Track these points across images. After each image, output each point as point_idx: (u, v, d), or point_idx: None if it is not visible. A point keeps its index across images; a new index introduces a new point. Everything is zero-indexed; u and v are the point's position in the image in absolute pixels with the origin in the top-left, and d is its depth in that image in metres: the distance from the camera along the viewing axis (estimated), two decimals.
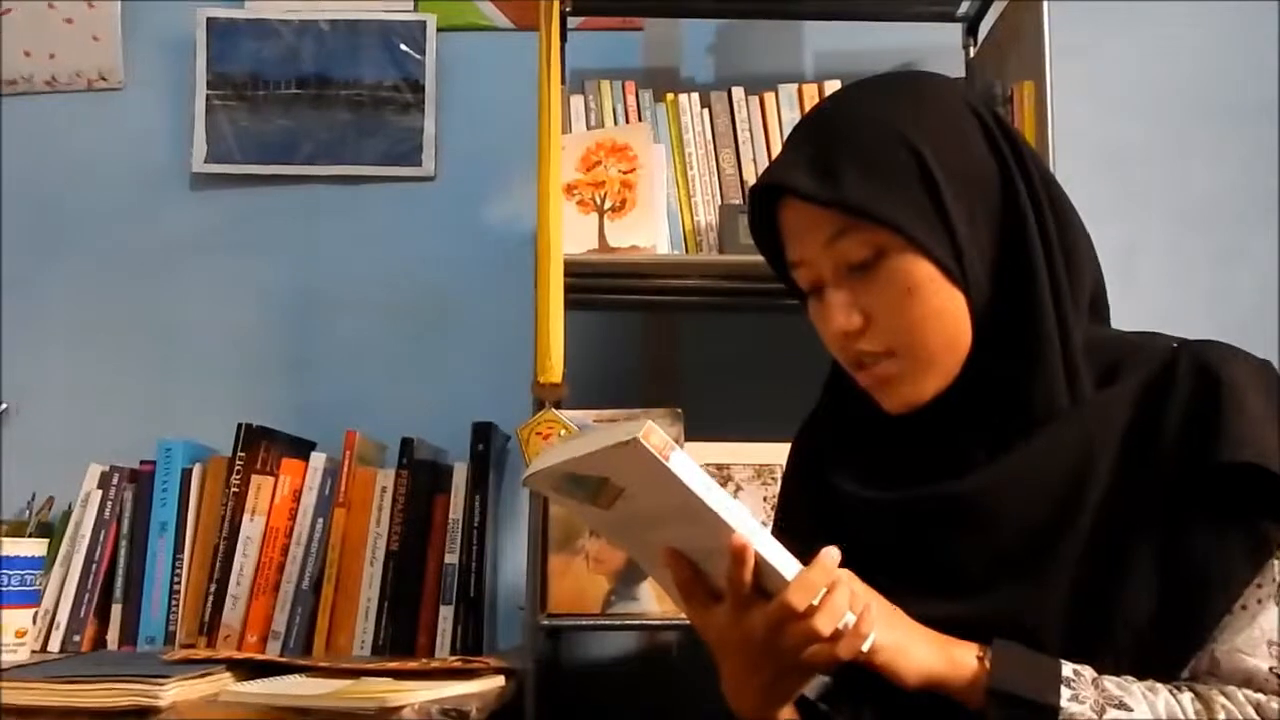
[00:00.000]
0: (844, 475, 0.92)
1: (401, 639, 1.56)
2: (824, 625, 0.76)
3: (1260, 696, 0.80)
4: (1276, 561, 0.83)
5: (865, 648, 0.77)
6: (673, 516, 0.78)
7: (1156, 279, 1.85)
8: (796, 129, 0.92)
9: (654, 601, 1.45)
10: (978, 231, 0.86)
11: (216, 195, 1.92)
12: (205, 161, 1.92)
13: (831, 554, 0.77)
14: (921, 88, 0.91)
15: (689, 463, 0.74)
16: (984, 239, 0.86)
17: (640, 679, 1.81)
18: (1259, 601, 0.82)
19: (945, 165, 0.85)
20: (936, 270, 0.84)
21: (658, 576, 0.89)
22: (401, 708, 1.11)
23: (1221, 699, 0.80)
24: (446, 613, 1.57)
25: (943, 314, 0.85)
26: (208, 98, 1.92)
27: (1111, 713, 0.78)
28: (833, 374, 0.97)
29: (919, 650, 0.81)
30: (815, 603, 0.76)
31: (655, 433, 0.72)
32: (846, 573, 0.79)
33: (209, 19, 1.93)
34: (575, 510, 0.83)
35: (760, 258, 1.54)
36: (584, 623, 1.48)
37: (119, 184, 1.93)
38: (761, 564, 0.76)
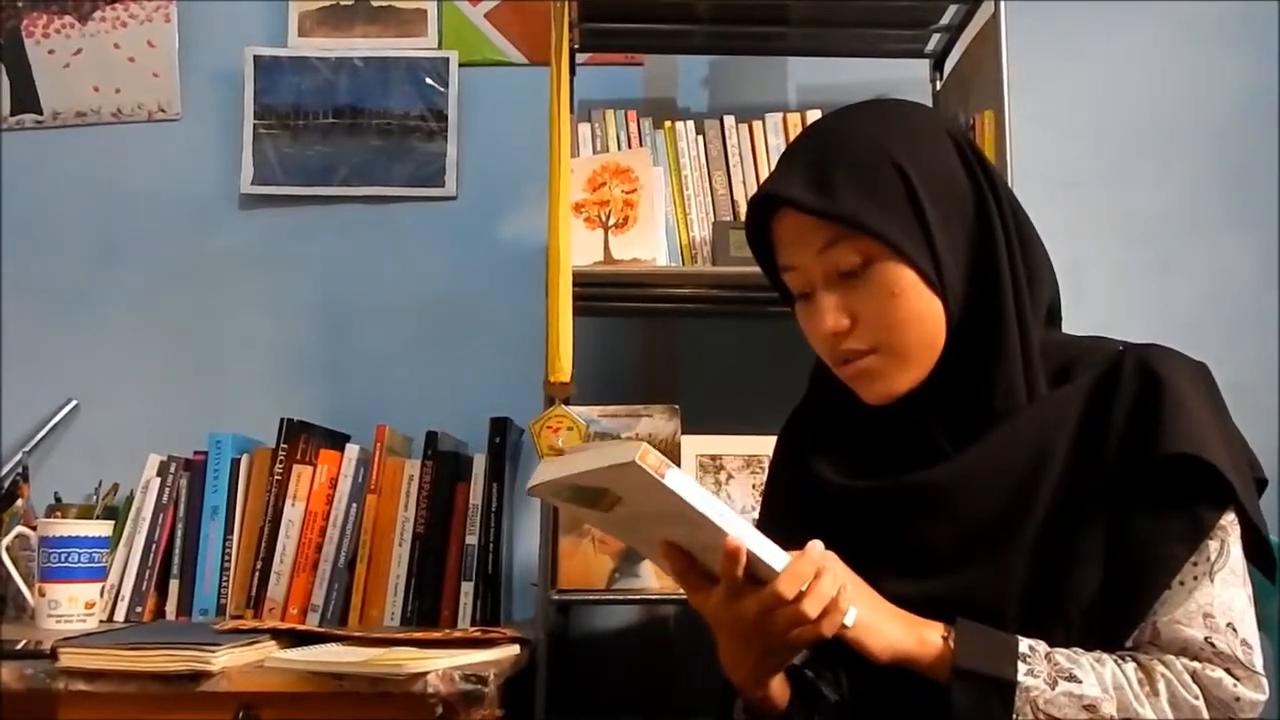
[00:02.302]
0: (825, 465, 0.92)
1: (427, 612, 1.56)
2: (811, 609, 0.76)
3: (1196, 664, 0.81)
4: (1211, 542, 0.83)
5: (849, 622, 0.77)
6: (668, 520, 0.78)
7: (1103, 290, 1.85)
8: (792, 147, 0.91)
9: (653, 579, 1.45)
10: (954, 243, 0.86)
11: (262, 214, 1.92)
12: (252, 184, 1.91)
13: (817, 546, 0.78)
14: (906, 113, 0.91)
15: (682, 477, 0.74)
16: (959, 250, 0.86)
17: (641, 648, 1.80)
18: (1195, 579, 0.82)
19: (927, 182, 0.85)
20: (918, 277, 0.84)
21: (657, 562, 0.88)
22: (427, 673, 1.12)
23: (1161, 668, 0.80)
24: (467, 588, 1.57)
25: (922, 317, 0.85)
26: (254, 127, 1.92)
27: (1063, 684, 0.78)
28: (816, 372, 0.97)
29: (889, 629, 0.81)
30: (803, 589, 0.76)
31: (651, 453, 0.72)
32: (829, 554, 0.79)
33: (255, 56, 1.93)
34: (577, 512, 0.83)
35: (749, 269, 1.54)
36: (590, 597, 1.47)
37: (176, 204, 1.92)
38: (752, 558, 0.76)
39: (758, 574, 0.77)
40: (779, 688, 0.85)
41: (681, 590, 0.84)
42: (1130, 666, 0.80)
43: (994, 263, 0.86)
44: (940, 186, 0.86)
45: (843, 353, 0.87)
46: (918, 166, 0.85)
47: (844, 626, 0.78)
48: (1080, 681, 0.79)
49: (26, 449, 1.80)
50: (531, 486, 0.81)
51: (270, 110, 1.92)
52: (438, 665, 1.12)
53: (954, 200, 0.86)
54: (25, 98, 1.94)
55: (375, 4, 1.94)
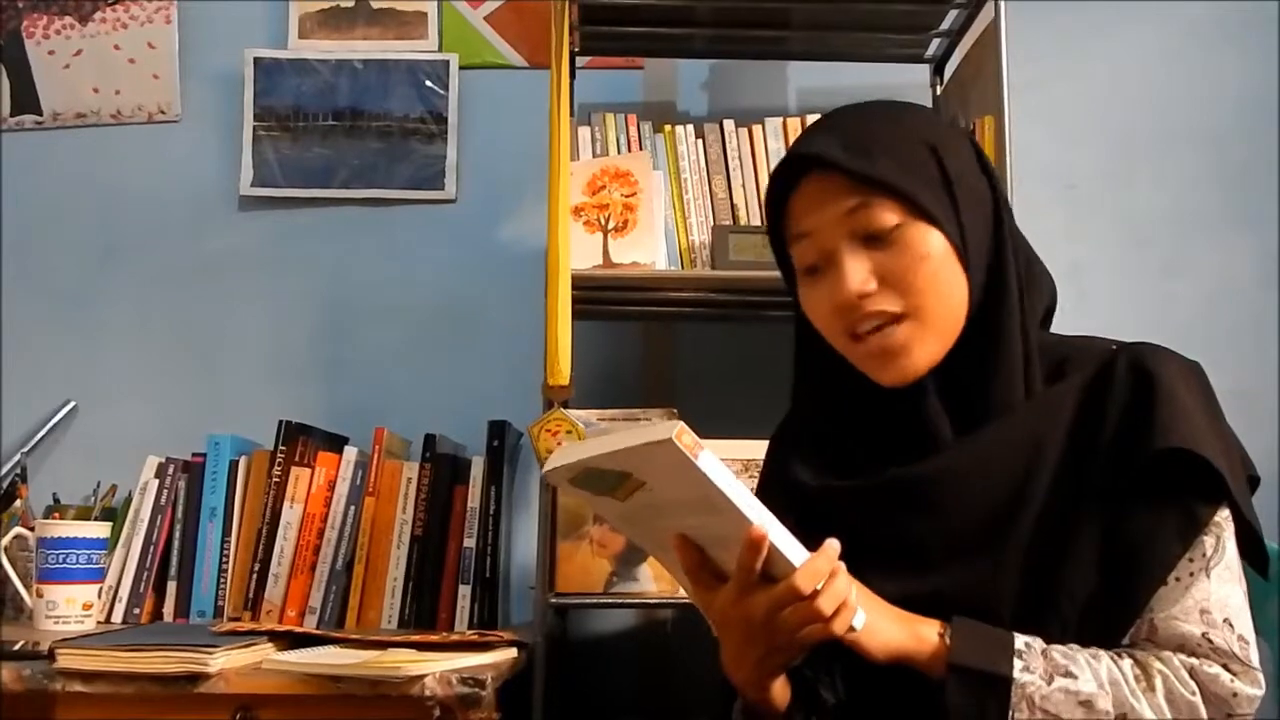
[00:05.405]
0: (810, 469, 0.93)
1: (424, 614, 1.57)
2: (826, 606, 0.77)
3: (1193, 660, 0.81)
4: (1206, 538, 0.84)
5: (858, 625, 0.78)
6: (689, 508, 0.77)
7: (1105, 292, 1.85)
8: (823, 120, 0.92)
9: (651, 582, 1.45)
10: (976, 229, 0.88)
11: (261, 216, 1.93)
12: (251, 186, 1.92)
13: (833, 545, 0.78)
14: (929, 110, 0.95)
15: (715, 461, 0.74)
16: (979, 238, 0.88)
17: (638, 651, 1.81)
18: (1191, 574, 0.83)
19: (956, 168, 0.87)
20: (948, 245, 0.85)
21: (662, 559, 0.89)
22: (424, 676, 1.12)
23: (1158, 664, 0.81)
24: (465, 591, 1.57)
25: (951, 286, 0.86)
26: (254, 129, 1.93)
27: (1059, 680, 0.79)
28: (798, 383, 0.97)
29: (886, 628, 0.81)
30: (819, 587, 0.76)
31: (687, 433, 0.72)
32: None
33: (256, 58, 1.94)
34: (588, 501, 0.82)
35: (748, 273, 1.56)
36: (588, 601, 1.48)
37: (175, 205, 1.93)
38: (772, 551, 0.76)
39: (773, 569, 0.77)
40: (780, 689, 0.85)
41: (684, 590, 0.84)
42: (1127, 663, 0.81)
43: (1003, 259, 0.88)
44: (965, 177, 0.88)
45: (867, 316, 0.86)
46: (948, 153, 0.87)
47: (851, 628, 0.78)
48: (1076, 677, 0.79)
49: (25, 450, 1.81)
50: (548, 470, 0.81)
51: (270, 112, 1.93)
52: (435, 668, 1.13)
53: (975, 193, 0.88)
54: (25, 99, 1.96)
55: (376, 6, 1.95)
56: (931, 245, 0.85)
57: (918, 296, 0.85)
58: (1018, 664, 0.79)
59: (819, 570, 0.77)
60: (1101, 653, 0.82)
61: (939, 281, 0.85)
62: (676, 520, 0.81)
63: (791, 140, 1.63)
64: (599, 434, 0.76)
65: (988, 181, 0.90)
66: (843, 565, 0.78)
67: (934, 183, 0.85)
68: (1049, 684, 0.79)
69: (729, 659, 0.84)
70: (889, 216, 0.85)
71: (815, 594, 0.76)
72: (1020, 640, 0.81)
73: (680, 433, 0.72)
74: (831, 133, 0.88)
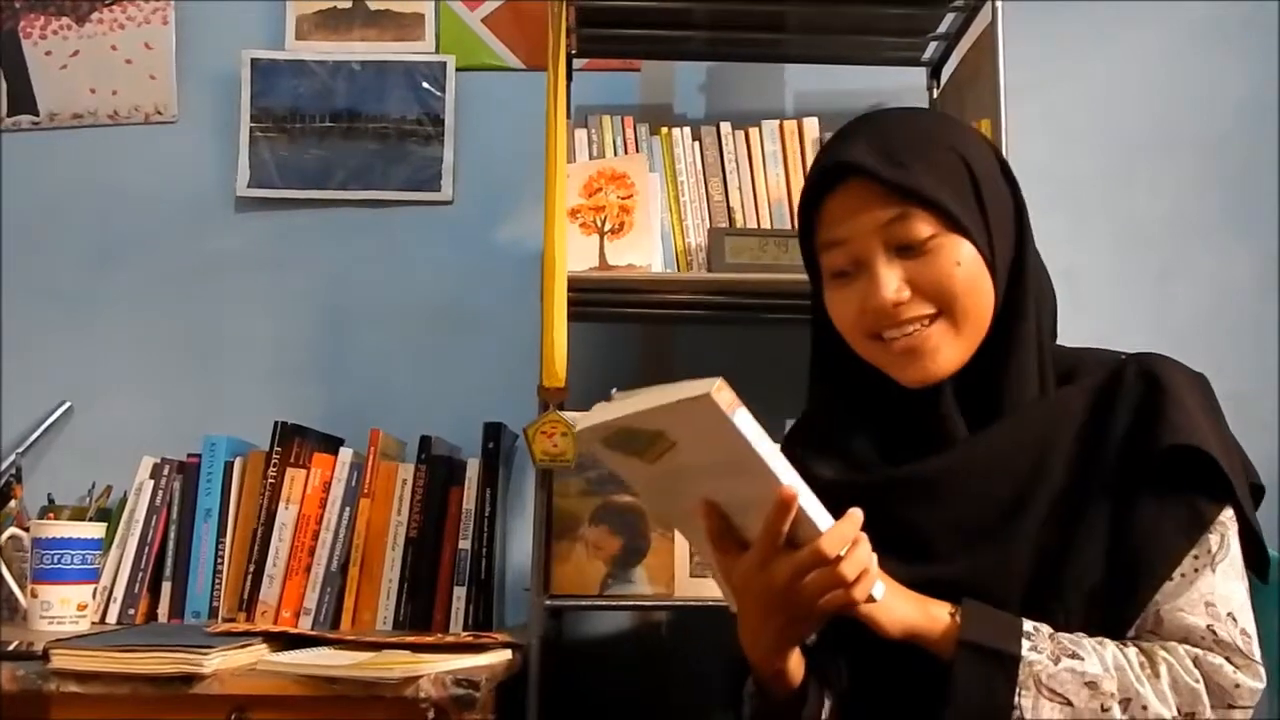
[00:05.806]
0: (823, 466, 0.94)
1: (419, 616, 1.57)
2: (850, 571, 0.77)
3: (1198, 650, 0.83)
4: (1211, 535, 0.86)
5: (878, 594, 0.79)
6: (718, 470, 0.78)
7: (1103, 296, 1.86)
8: (850, 128, 0.93)
9: (646, 584, 1.46)
10: (1003, 238, 0.90)
11: (258, 217, 1.93)
12: (248, 186, 1.93)
13: (857, 513, 0.79)
14: (953, 117, 0.97)
15: (750, 419, 0.74)
16: (1005, 247, 0.90)
17: (633, 653, 1.81)
18: (1196, 570, 0.85)
19: (983, 176, 0.89)
20: (978, 254, 0.88)
21: (683, 529, 0.89)
22: (419, 677, 1.13)
23: (1163, 653, 0.83)
24: (460, 593, 1.58)
25: (981, 292, 0.88)
26: (251, 130, 1.93)
27: (1066, 661, 0.81)
28: (814, 383, 0.98)
29: (900, 606, 0.83)
30: (843, 553, 0.77)
31: (726, 390, 0.73)
32: None
33: (253, 59, 1.94)
34: (617, 464, 0.82)
35: (744, 276, 1.56)
36: (583, 603, 1.49)
37: (172, 206, 1.94)
38: (799, 515, 0.77)
39: (797, 535, 0.78)
40: (795, 665, 0.86)
41: (704, 559, 0.84)
42: (1132, 650, 0.83)
43: (1024, 265, 0.90)
44: (991, 183, 0.90)
45: (900, 323, 0.88)
46: (975, 160, 0.89)
47: (870, 598, 0.79)
48: (1082, 659, 0.81)
49: (20, 450, 1.81)
50: (581, 430, 0.81)
51: (267, 113, 1.93)
52: (430, 669, 1.14)
53: (1000, 199, 0.91)
54: (22, 99, 1.96)
55: (373, 7, 1.96)
56: (963, 255, 0.87)
57: (953, 300, 0.88)
58: (1025, 644, 0.81)
59: (844, 535, 0.77)
60: (1108, 641, 0.84)
61: (972, 286, 0.88)
62: (703, 485, 0.81)
63: (788, 143, 1.64)
64: (637, 395, 0.76)
65: (1009, 186, 0.92)
66: (865, 535, 0.79)
67: (966, 193, 0.88)
68: (1055, 664, 0.81)
69: (746, 632, 0.84)
70: (924, 228, 0.87)
71: (838, 559, 0.77)
72: (1028, 624, 0.83)
73: (719, 388, 0.72)
74: (866, 140, 0.89)
